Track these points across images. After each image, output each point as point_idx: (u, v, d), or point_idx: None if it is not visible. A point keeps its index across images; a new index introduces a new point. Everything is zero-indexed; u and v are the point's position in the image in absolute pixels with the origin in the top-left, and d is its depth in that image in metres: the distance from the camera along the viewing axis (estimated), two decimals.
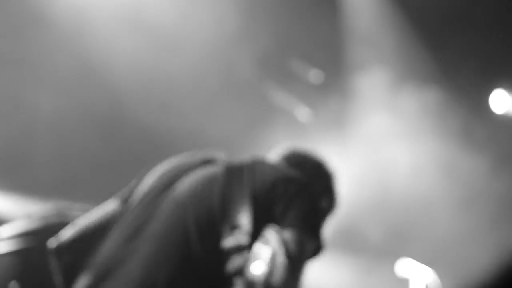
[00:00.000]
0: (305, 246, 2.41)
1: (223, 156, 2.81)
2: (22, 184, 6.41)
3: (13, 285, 3.75)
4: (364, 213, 7.45)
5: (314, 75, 7.38)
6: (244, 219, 2.38)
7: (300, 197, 2.51)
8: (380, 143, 7.28)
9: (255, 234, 2.35)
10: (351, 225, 7.48)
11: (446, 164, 7.28)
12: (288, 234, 2.38)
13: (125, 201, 2.75)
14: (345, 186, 7.33)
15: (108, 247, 2.56)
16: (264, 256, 2.32)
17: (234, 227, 2.38)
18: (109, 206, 2.76)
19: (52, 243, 2.69)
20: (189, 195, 2.52)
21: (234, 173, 2.56)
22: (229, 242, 2.35)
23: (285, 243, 2.36)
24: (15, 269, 3.86)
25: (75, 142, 6.57)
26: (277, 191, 2.49)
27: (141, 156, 7.05)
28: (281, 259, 2.32)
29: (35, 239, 3.75)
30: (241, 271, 2.31)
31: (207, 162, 2.75)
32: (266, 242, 2.34)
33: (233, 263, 2.32)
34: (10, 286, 3.75)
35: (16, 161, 6.38)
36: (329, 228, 7.34)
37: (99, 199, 5.95)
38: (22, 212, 4.25)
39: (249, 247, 2.33)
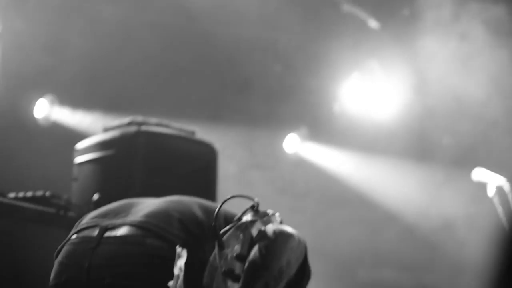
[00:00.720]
0: None
1: None
2: (99, 99, 6.56)
3: (96, 197, 3.90)
4: (437, 124, 7.43)
5: None
6: None
7: None
8: (449, 59, 7.22)
9: None
10: (424, 135, 7.48)
11: None
12: None
13: None
14: (416, 97, 7.34)
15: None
16: None
17: None
18: None
19: None
20: None
21: None
22: None
23: None
24: (96, 178, 4.01)
25: (150, 56, 6.67)
26: None
27: (213, 67, 7.13)
28: None
29: (113, 148, 3.88)
30: None
31: None
32: None
33: None
34: (93, 198, 3.90)
35: (93, 77, 6.51)
36: (403, 138, 7.32)
37: (172, 113, 6.08)
38: (100, 126, 4.38)
39: None
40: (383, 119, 7.47)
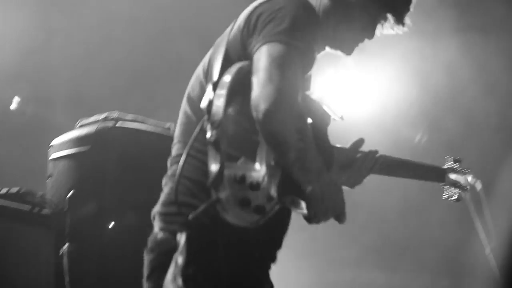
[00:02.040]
0: (281, 53, 2.33)
1: None
2: (77, 95, 6.55)
3: (73, 193, 3.87)
4: (412, 122, 7.41)
5: None
6: (215, 72, 2.38)
7: (282, 10, 2.39)
8: None
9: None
10: (399, 133, 7.46)
11: None
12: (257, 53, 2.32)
13: None
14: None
15: None
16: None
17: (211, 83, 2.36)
18: None
19: None
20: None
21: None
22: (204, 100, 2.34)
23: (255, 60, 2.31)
24: (71, 174, 3.98)
25: (123, 55, 6.67)
26: (250, 22, 2.41)
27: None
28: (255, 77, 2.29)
29: (88, 143, 3.86)
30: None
31: None
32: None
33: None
34: (69, 195, 3.86)
35: (73, 77, 6.50)
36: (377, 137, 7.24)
37: (148, 108, 6.05)
38: (76, 122, 4.36)
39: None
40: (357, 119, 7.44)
